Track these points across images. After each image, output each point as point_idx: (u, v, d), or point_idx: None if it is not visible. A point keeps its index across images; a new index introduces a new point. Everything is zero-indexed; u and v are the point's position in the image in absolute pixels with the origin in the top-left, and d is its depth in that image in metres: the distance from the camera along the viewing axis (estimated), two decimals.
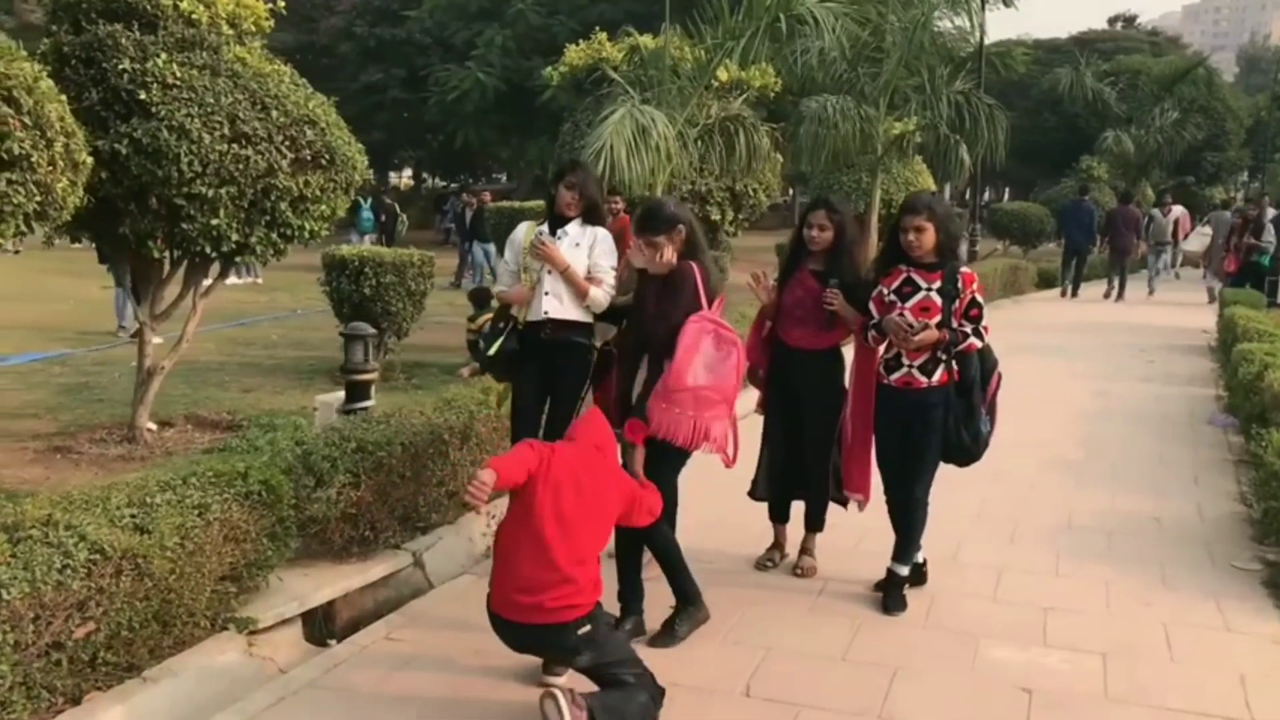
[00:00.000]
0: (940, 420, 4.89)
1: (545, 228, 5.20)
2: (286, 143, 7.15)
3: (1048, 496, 6.94)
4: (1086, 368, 12.20)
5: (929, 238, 4.84)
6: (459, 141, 32.97)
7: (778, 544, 5.60)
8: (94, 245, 8.55)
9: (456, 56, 34.12)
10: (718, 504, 5.74)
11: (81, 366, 11.10)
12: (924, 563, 5.24)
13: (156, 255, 7.37)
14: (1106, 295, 20.34)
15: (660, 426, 4.40)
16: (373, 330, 6.78)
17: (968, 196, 27.71)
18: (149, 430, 8.07)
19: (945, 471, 5.10)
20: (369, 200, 24.50)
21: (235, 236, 7.13)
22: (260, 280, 20.39)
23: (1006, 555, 5.78)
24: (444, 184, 48.50)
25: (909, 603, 5.00)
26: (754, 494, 5.58)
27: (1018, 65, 21.67)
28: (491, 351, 5.09)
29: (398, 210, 26.11)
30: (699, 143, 10.03)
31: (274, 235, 7.34)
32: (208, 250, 7.21)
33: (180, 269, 7.82)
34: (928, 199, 4.98)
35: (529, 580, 3.72)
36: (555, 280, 5.09)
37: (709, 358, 4.41)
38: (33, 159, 5.53)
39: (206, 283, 7.99)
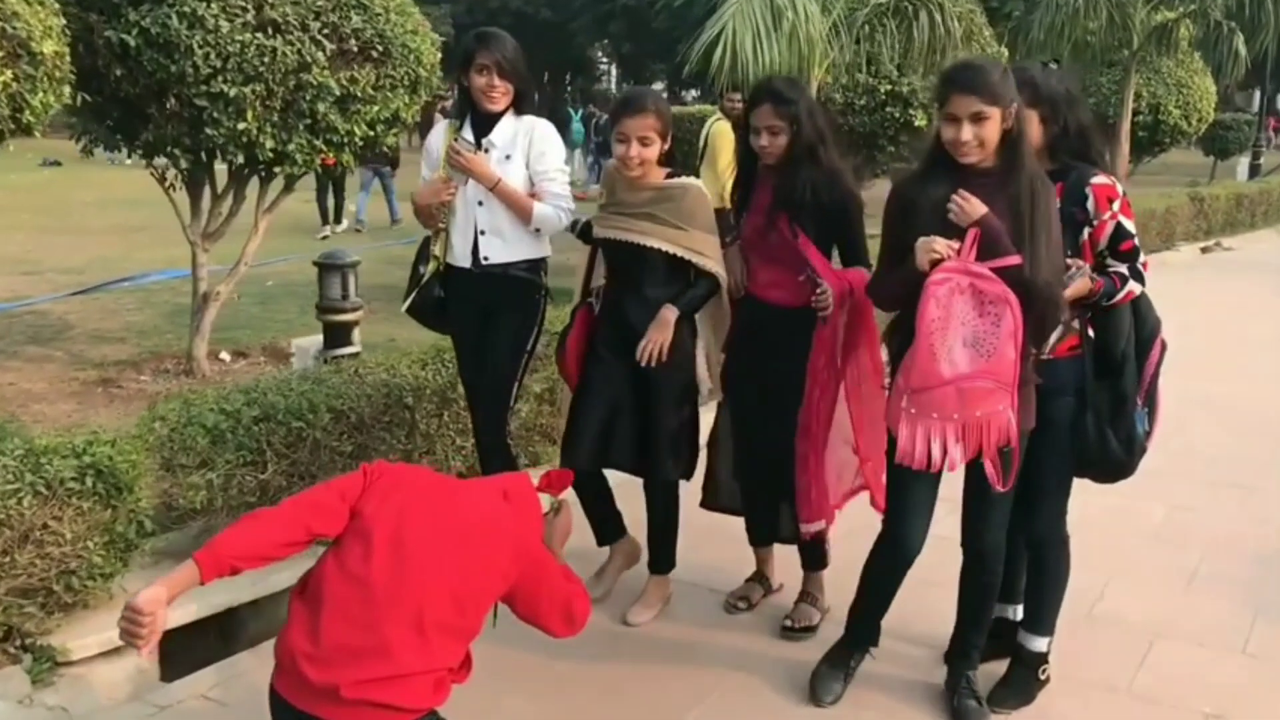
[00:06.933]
0: (1067, 414, 3.15)
1: (467, 132, 3.78)
2: (326, 30, 6.09)
3: (1268, 512, 4.90)
4: None
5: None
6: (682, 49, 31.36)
7: (761, 574, 4.01)
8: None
9: None
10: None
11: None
12: (1048, 654, 3.42)
13: (184, 165, 6.51)
14: None
15: (907, 448, 2.94)
16: (354, 258, 5.52)
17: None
18: (220, 359, 7.50)
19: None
20: (579, 112, 23.52)
21: (270, 143, 6.17)
22: None
23: (1173, 610, 3.94)
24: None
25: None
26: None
27: None
28: (405, 306, 3.79)
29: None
30: (867, 28, 8.19)
31: (317, 142, 6.33)
32: (240, 159, 6.28)
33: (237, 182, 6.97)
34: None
35: (331, 645, 2.33)
36: (491, 210, 3.72)
37: (970, 328, 2.87)
38: None
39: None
